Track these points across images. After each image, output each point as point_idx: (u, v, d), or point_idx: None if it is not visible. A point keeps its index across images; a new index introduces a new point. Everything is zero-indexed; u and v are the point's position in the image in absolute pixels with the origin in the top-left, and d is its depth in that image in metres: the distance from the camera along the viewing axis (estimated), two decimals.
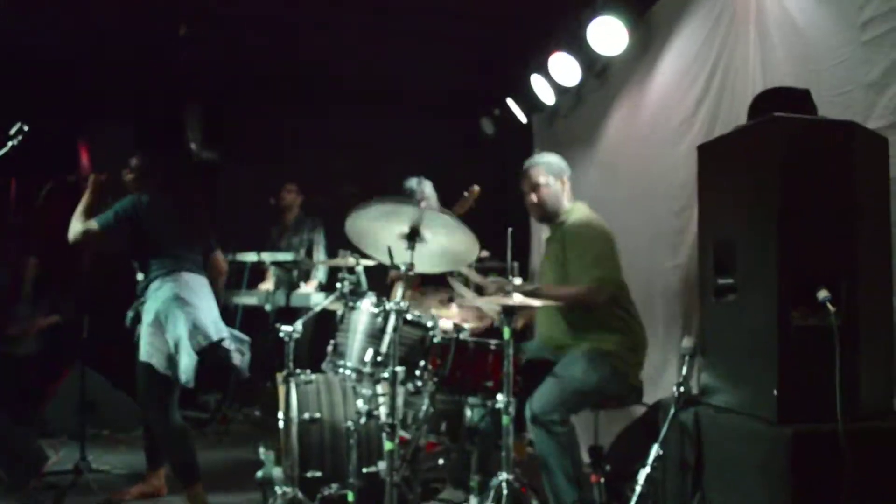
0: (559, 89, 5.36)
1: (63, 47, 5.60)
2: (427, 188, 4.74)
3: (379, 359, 3.06)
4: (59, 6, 5.08)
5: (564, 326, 3.50)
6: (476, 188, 4.55)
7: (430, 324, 3.31)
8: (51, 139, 4.77)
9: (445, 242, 3.06)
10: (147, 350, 3.66)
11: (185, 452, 3.69)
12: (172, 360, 3.63)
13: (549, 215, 3.63)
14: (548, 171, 3.60)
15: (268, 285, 6.00)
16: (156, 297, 3.76)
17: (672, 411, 2.51)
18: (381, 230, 3.02)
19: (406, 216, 2.93)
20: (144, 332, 3.70)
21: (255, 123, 6.62)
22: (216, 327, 3.78)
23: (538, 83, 5.44)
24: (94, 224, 3.76)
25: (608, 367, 3.32)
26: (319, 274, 6.06)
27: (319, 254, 6.16)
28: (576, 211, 3.58)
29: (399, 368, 2.84)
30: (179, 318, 3.67)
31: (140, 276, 3.97)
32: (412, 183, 4.66)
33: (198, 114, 6.50)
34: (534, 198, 3.61)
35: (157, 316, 3.69)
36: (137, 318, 3.89)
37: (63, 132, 5.74)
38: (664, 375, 3.86)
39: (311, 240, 6.21)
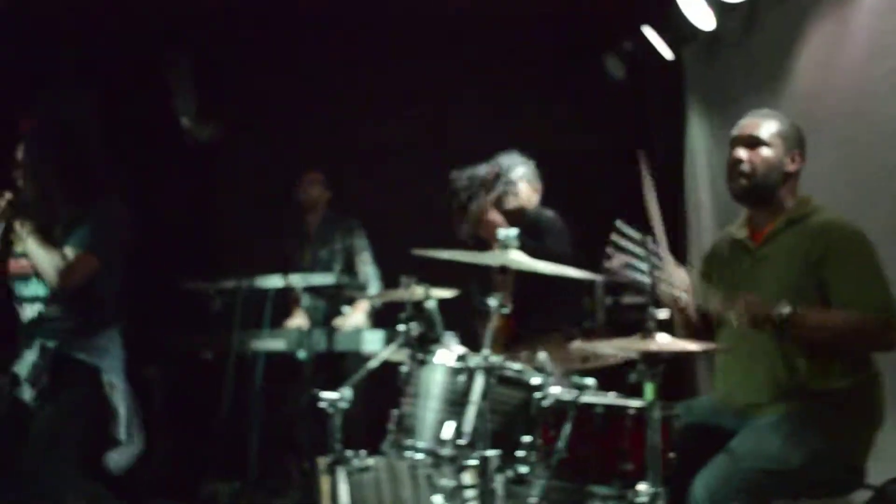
0: (721, 7, 5.39)
1: None
2: (518, 170, 4.90)
3: (463, 438, 3.20)
4: None
5: (764, 377, 3.51)
6: None
7: (535, 381, 3.41)
8: None
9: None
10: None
11: None
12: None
13: (758, 192, 3.62)
14: (781, 130, 3.61)
15: (299, 321, 6.21)
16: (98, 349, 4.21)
17: None
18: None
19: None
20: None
21: (267, 86, 6.84)
22: None
23: (689, 0, 5.48)
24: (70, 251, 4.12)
25: (824, 442, 3.34)
26: (372, 289, 6.24)
27: (366, 266, 6.35)
28: (819, 208, 3.59)
29: (492, 452, 2.95)
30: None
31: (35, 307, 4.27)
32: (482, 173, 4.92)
33: (188, 75, 6.73)
34: (745, 157, 3.58)
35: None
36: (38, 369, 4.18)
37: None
38: (891, 441, 3.84)
39: (347, 249, 6.41)
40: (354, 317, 6.10)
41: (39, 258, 4.11)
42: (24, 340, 4.25)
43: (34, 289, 4.24)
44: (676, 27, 5.74)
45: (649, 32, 6.01)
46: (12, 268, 4.28)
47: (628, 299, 5.25)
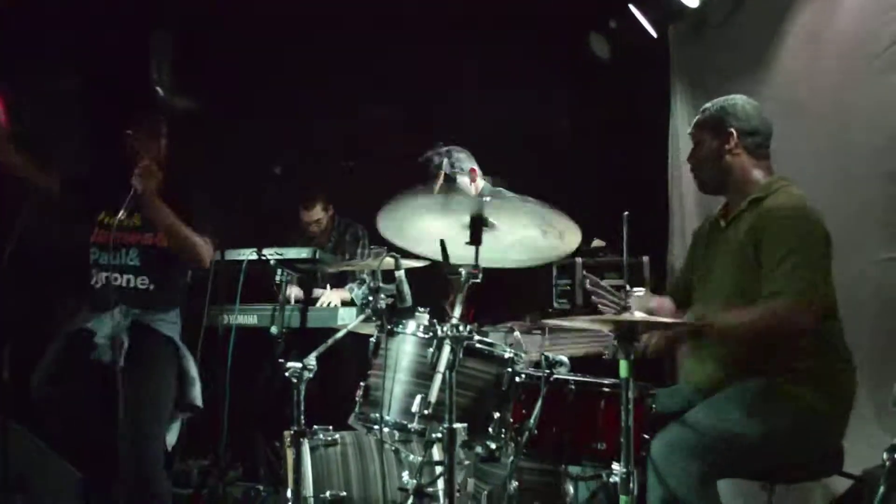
0: None
1: None
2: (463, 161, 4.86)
3: (429, 409, 3.10)
4: None
5: (722, 355, 3.52)
6: None
7: (508, 355, 3.34)
8: None
9: (527, 233, 3.13)
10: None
11: None
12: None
13: (708, 184, 3.79)
14: (702, 121, 3.74)
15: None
16: (171, 323, 4.52)
17: (881, 490, 2.48)
18: (427, 223, 3.16)
19: (463, 206, 3.08)
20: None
21: (245, 56, 6.74)
22: None
23: None
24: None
25: (789, 414, 3.31)
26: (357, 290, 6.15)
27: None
28: (781, 191, 3.60)
29: (459, 425, 2.88)
30: None
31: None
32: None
33: (167, 45, 6.64)
34: (690, 161, 3.79)
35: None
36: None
37: None
38: (871, 430, 3.80)
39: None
40: (331, 296, 6.03)
41: (184, 236, 4.43)
42: (101, 303, 4.40)
43: (122, 259, 4.49)
44: (662, 5, 5.72)
45: (635, 11, 5.96)
46: (99, 238, 4.54)
47: (607, 282, 5.20)
